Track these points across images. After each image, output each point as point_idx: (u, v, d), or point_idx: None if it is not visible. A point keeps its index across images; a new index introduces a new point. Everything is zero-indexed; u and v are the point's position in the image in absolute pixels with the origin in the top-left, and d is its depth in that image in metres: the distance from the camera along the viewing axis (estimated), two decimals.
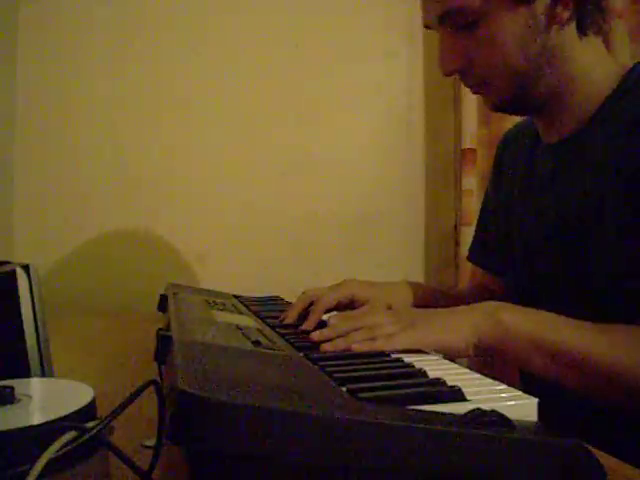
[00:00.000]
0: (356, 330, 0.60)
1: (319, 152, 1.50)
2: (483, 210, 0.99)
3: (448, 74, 0.74)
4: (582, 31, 0.69)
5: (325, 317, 0.71)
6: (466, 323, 0.59)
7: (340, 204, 1.50)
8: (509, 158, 0.90)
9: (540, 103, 0.73)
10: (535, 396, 0.42)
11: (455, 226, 1.56)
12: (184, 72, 1.42)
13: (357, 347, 0.57)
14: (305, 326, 0.69)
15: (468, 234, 1.43)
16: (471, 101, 1.42)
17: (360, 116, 1.53)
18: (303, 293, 0.79)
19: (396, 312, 0.65)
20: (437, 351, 0.59)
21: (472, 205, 1.44)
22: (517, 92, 0.71)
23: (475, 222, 1.42)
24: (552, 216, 0.75)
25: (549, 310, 0.61)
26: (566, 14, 0.67)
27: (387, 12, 1.54)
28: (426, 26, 0.75)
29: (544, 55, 0.68)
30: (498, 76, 0.70)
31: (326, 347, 0.57)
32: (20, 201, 1.34)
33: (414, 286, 0.87)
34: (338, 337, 0.59)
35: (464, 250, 1.44)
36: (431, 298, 0.86)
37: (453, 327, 0.59)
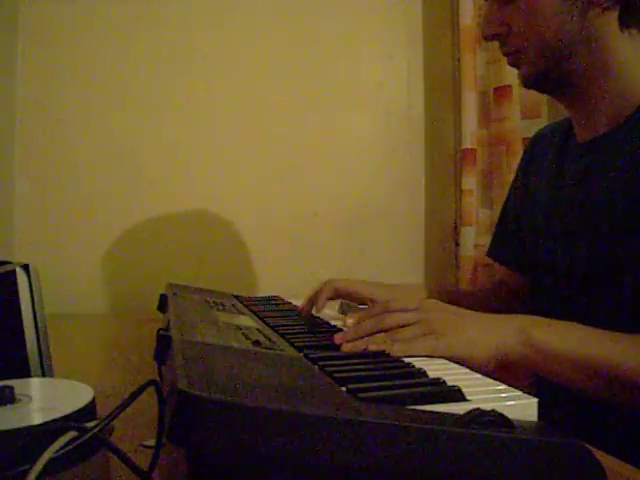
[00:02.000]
0: (377, 332, 0.59)
1: (319, 152, 1.50)
2: (506, 207, 0.98)
3: (487, 38, 0.77)
4: (624, 23, 0.68)
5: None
6: (494, 338, 0.58)
7: (340, 204, 1.50)
8: (539, 155, 0.90)
9: (572, 84, 0.73)
10: (541, 396, 0.42)
11: (455, 226, 1.55)
12: (184, 72, 1.42)
13: (376, 348, 0.55)
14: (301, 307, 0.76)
15: (468, 234, 1.43)
16: (471, 101, 1.42)
17: (360, 116, 1.53)
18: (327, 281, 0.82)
19: (423, 310, 0.62)
20: (458, 362, 0.56)
21: (472, 205, 1.44)
22: (548, 66, 0.72)
23: (475, 222, 1.43)
24: (581, 214, 0.74)
25: (571, 309, 0.60)
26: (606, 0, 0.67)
27: (388, 12, 1.54)
28: None
29: (580, 35, 0.69)
30: (532, 46, 0.72)
31: (346, 348, 0.57)
32: (20, 201, 1.34)
33: (433, 288, 0.87)
34: (359, 338, 0.58)
35: (464, 250, 1.44)
36: (453, 301, 0.86)
37: (479, 341, 0.57)
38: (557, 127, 0.89)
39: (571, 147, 0.81)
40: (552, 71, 0.72)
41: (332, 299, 0.82)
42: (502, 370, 0.57)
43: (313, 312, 0.80)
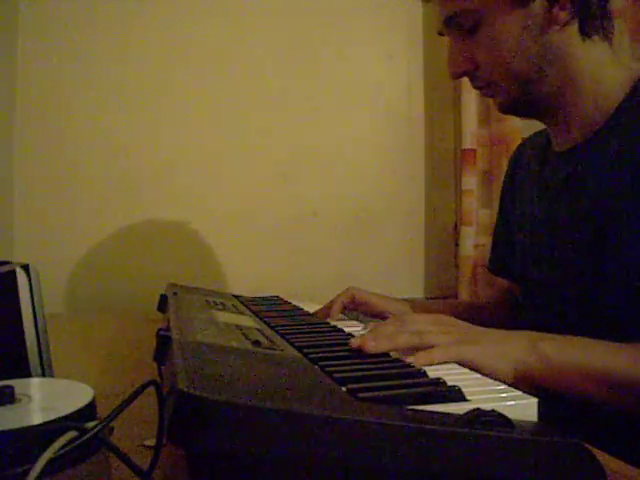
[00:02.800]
0: (401, 333, 0.58)
1: (319, 152, 1.50)
2: (498, 222, 0.99)
3: (455, 77, 0.77)
4: (585, 33, 0.69)
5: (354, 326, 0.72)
6: (511, 353, 0.58)
7: (340, 204, 1.50)
8: (522, 168, 0.91)
9: (547, 104, 0.74)
10: (537, 396, 0.42)
11: (455, 226, 1.56)
12: (184, 73, 1.42)
13: (420, 360, 0.53)
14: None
15: (468, 234, 1.43)
16: (471, 101, 1.42)
17: (360, 116, 1.53)
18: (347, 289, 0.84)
19: (438, 320, 0.63)
20: (480, 372, 0.55)
21: (472, 205, 1.44)
22: (521, 93, 0.72)
23: (475, 222, 1.43)
24: (565, 223, 0.75)
25: (560, 320, 0.61)
26: (564, 15, 0.67)
27: (388, 13, 1.54)
28: (439, 33, 0.77)
29: (545, 56, 0.69)
30: (502, 77, 0.72)
31: (369, 347, 0.55)
32: (20, 201, 1.34)
33: (438, 303, 0.88)
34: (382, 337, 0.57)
35: (464, 250, 1.44)
36: (462, 314, 0.86)
37: (499, 354, 0.57)
38: (537, 137, 0.90)
39: (550, 157, 0.81)
40: (526, 96, 0.73)
41: (348, 307, 0.83)
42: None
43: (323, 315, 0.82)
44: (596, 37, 0.70)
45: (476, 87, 0.77)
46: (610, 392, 0.58)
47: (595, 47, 0.70)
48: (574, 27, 0.69)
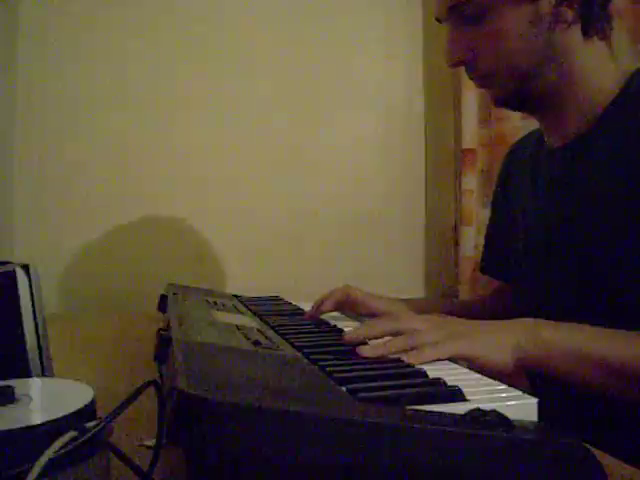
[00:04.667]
0: (395, 336, 0.58)
1: (319, 152, 1.50)
2: (491, 222, 0.99)
3: (452, 65, 0.76)
4: (587, 33, 0.69)
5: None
6: (508, 342, 0.57)
7: (340, 204, 1.50)
8: (515, 169, 0.91)
9: (542, 100, 0.74)
10: (539, 395, 0.42)
11: (455, 226, 1.56)
12: (184, 72, 1.42)
13: (411, 359, 0.53)
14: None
15: (468, 234, 1.43)
16: (471, 101, 1.42)
17: (360, 116, 1.53)
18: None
19: (432, 319, 0.62)
20: (479, 365, 0.56)
21: (472, 205, 1.44)
22: (519, 86, 0.72)
23: (475, 222, 1.43)
24: (560, 219, 0.75)
25: (556, 315, 0.61)
26: (570, 14, 0.68)
27: (387, 12, 1.54)
28: (437, 19, 0.77)
29: (547, 53, 0.70)
30: (500, 70, 0.72)
31: (365, 352, 0.54)
32: (20, 201, 1.34)
33: (434, 302, 0.88)
34: (374, 338, 0.57)
35: (464, 250, 1.44)
36: (459, 312, 0.86)
37: (496, 345, 0.57)
38: (529, 138, 0.90)
39: (543, 156, 0.81)
40: (523, 90, 0.73)
41: (342, 304, 0.82)
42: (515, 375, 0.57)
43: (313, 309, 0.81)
44: (596, 38, 0.70)
45: (472, 77, 0.76)
46: (609, 378, 0.57)
47: (593, 46, 0.70)
48: (577, 27, 0.69)
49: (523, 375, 0.61)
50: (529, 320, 0.61)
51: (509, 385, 0.45)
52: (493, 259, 0.98)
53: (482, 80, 0.75)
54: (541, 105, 0.75)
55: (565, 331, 0.59)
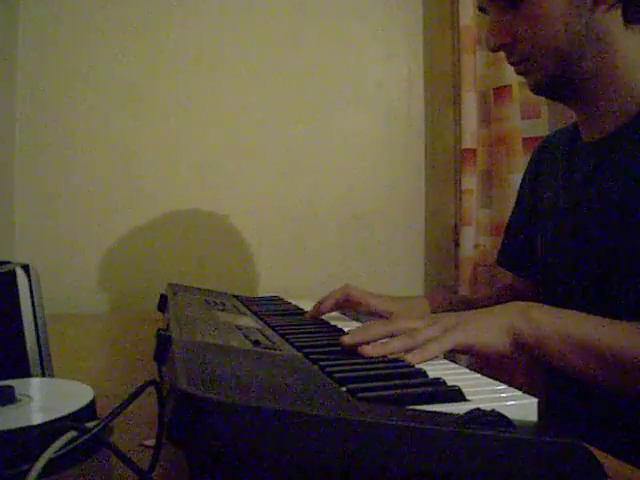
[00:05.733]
0: (393, 335, 0.58)
1: (319, 152, 1.50)
2: (514, 216, 0.99)
3: (493, 49, 0.76)
4: (628, 19, 0.68)
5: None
6: (502, 322, 0.59)
7: (340, 204, 1.50)
8: (547, 161, 0.90)
9: (581, 88, 0.73)
10: (540, 396, 0.42)
11: (455, 226, 1.55)
12: (184, 73, 1.42)
13: (413, 359, 0.53)
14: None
15: (468, 234, 1.43)
16: (471, 101, 1.41)
17: (360, 116, 1.53)
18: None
19: (430, 317, 0.63)
20: (478, 352, 0.57)
21: (472, 205, 1.43)
22: (558, 71, 0.72)
23: (475, 222, 1.43)
24: (590, 212, 0.74)
25: (580, 309, 0.61)
26: None
27: (387, 12, 1.54)
28: (480, 9, 0.77)
29: (588, 36, 0.69)
30: (540, 53, 0.71)
31: (366, 351, 0.54)
32: (20, 201, 1.34)
33: (434, 297, 0.88)
34: (373, 341, 0.57)
35: (464, 250, 1.44)
36: (455, 307, 0.86)
37: (491, 327, 0.58)
38: (562, 132, 0.89)
39: (578, 149, 0.80)
40: (563, 75, 0.72)
41: (342, 304, 0.82)
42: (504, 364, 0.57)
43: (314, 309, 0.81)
44: (637, 27, 0.69)
45: (512, 63, 0.76)
46: (598, 366, 0.57)
47: (634, 36, 0.69)
48: (619, 11, 0.68)
49: (524, 357, 0.61)
50: (520, 302, 0.62)
51: (510, 380, 0.45)
52: (511, 252, 0.98)
53: (521, 65, 0.74)
54: (579, 95, 0.74)
55: (554, 312, 0.60)
